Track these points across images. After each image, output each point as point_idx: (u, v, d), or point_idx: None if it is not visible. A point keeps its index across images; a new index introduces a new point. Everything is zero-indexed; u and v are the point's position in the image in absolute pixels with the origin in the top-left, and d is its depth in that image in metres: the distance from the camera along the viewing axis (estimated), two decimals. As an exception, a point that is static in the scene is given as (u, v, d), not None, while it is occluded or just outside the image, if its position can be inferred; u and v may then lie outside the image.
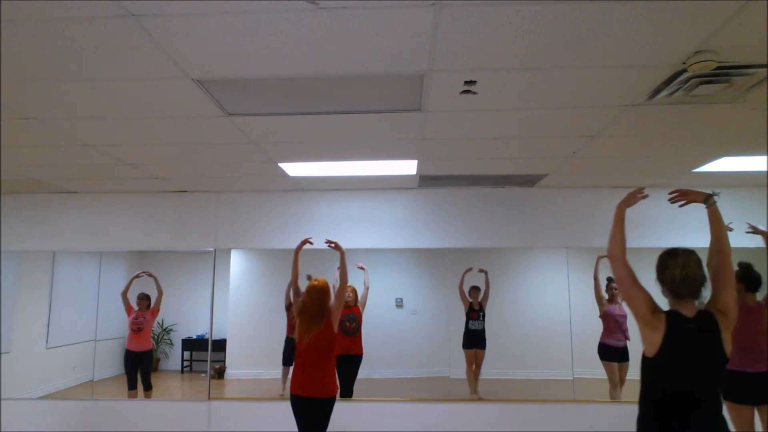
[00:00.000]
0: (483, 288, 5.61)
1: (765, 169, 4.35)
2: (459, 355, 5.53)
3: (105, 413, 5.15)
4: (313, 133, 3.37)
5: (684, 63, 2.28)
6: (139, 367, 5.50)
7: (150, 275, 5.60)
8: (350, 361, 5.16)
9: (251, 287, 6.24)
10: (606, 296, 5.27)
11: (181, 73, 2.40)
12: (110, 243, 5.43)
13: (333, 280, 4.37)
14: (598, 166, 4.33)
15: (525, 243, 5.25)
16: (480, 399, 5.34)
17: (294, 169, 4.38)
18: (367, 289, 5.25)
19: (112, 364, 5.83)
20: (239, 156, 3.95)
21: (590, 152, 3.83)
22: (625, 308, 5.20)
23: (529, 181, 4.98)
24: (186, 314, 6.58)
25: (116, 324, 5.70)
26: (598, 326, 5.27)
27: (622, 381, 5.16)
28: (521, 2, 1.80)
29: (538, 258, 5.88)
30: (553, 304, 5.41)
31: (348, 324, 5.15)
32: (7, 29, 1.96)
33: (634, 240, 2.22)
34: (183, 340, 6.75)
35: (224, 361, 5.94)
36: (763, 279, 3.61)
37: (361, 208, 5.35)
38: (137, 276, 5.60)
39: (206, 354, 5.34)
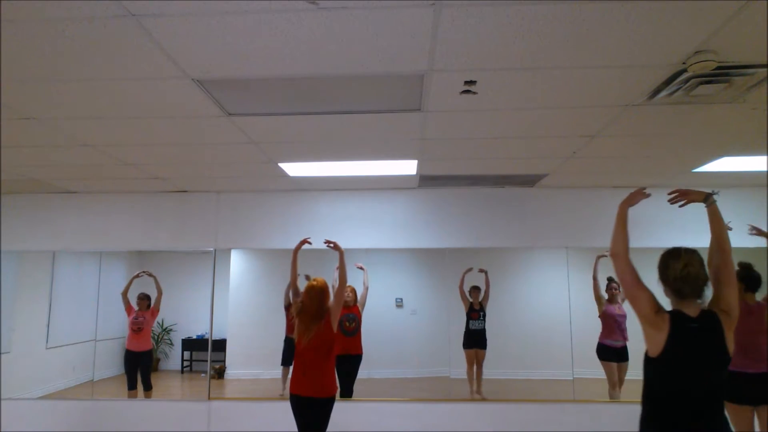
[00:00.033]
0: (483, 288, 5.62)
1: (765, 169, 4.35)
2: (459, 355, 5.53)
3: (105, 413, 5.15)
4: (313, 133, 3.37)
5: (684, 63, 2.28)
6: (139, 367, 5.50)
7: (150, 275, 5.60)
8: (350, 361, 5.16)
9: (251, 287, 6.25)
10: (605, 296, 5.27)
11: (181, 73, 2.40)
12: (110, 243, 5.43)
13: (332, 280, 4.37)
14: (598, 166, 4.33)
15: (525, 243, 5.25)
16: (482, 399, 5.35)
17: (294, 169, 4.38)
18: (366, 289, 5.26)
19: (112, 364, 5.83)
20: (239, 156, 3.95)
21: (590, 152, 3.83)
22: (625, 308, 5.20)
23: (529, 181, 4.98)
24: (186, 314, 6.58)
25: (116, 324, 5.71)
26: (598, 326, 5.27)
27: (621, 381, 5.16)
28: (521, 2, 1.80)
29: (538, 258, 5.88)
30: (553, 304, 5.41)
31: (347, 324, 5.15)
32: (7, 29, 1.96)
33: (634, 240, 2.22)
34: (183, 340, 6.75)
35: (224, 361, 5.94)
36: (763, 279, 3.61)
37: (361, 208, 5.35)
38: (137, 276, 5.60)
39: (206, 354, 5.34)
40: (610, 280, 5.25)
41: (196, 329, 6.59)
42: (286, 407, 3.65)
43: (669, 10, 1.84)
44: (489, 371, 5.57)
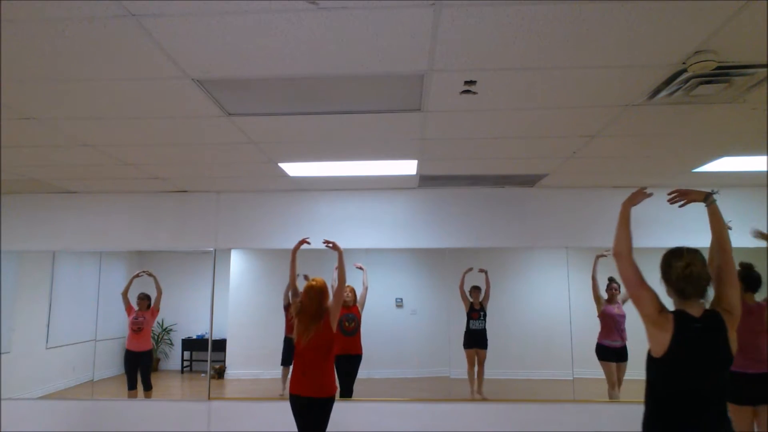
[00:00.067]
0: (484, 288, 5.62)
1: (765, 169, 4.35)
2: (459, 355, 5.53)
3: (105, 413, 5.15)
4: (313, 133, 3.37)
5: (684, 63, 2.28)
6: (139, 367, 5.50)
7: (150, 275, 5.60)
8: (350, 361, 5.16)
9: (251, 287, 6.25)
10: (605, 296, 5.27)
11: (181, 73, 2.40)
12: (110, 243, 5.43)
13: (331, 280, 4.37)
14: (598, 166, 4.33)
15: (525, 243, 5.25)
16: (484, 399, 5.34)
17: (294, 169, 4.37)
18: (366, 289, 5.26)
19: (112, 364, 5.83)
20: (239, 156, 3.95)
21: (590, 152, 3.83)
22: (625, 308, 5.20)
23: (529, 181, 4.98)
24: (186, 314, 6.58)
25: (116, 324, 5.70)
26: (598, 326, 5.27)
27: (620, 381, 5.16)
28: (521, 2, 1.80)
29: (538, 258, 5.88)
30: (554, 304, 5.41)
31: (347, 324, 5.16)
32: (7, 29, 1.96)
33: (634, 240, 2.22)
34: (183, 340, 6.75)
35: (224, 361, 5.94)
36: (763, 279, 3.61)
37: (361, 208, 5.35)
38: (137, 275, 5.60)
39: (206, 354, 5.34)
40: (611, 280, 5.25)
41: (196, 329, 6.59)
42: (286, 407, 3.65)
43: (669, 10, 1.84)
44: (489, 371, 5.57)
